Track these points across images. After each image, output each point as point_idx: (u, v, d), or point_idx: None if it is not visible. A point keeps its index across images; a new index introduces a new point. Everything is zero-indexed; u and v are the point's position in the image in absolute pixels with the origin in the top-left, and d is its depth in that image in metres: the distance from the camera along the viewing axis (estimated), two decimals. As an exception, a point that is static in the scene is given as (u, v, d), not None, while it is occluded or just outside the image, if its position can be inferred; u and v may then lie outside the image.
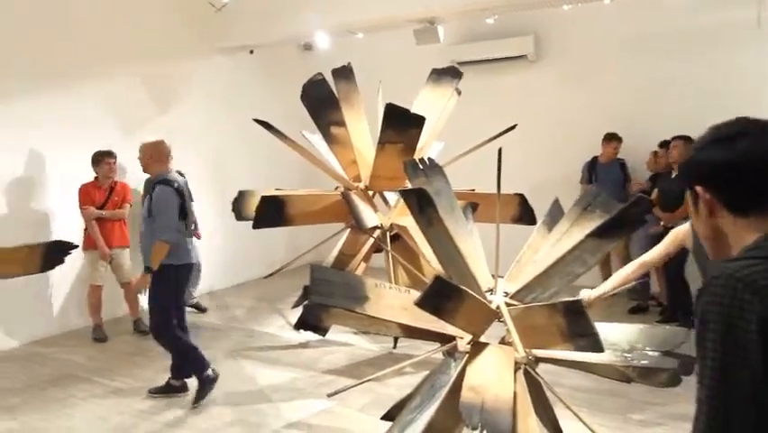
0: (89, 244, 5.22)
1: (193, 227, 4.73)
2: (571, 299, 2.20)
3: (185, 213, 4.01)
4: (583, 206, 2.75)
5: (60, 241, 2.76)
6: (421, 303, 2.08)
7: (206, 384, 3.87)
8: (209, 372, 3.91)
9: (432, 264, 4.25)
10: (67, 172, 5.43)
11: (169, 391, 4.03)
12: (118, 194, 5.39)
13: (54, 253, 2.68)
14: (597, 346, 2.07)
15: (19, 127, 5.20)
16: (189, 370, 3.97)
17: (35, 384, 4.33)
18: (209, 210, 7.02)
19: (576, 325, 2.09)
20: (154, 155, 4.11)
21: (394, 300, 2.55)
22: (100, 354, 4.97)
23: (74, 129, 5.52)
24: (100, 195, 5.29)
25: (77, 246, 2.80)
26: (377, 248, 5.11)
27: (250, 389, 4.14)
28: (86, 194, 5.24)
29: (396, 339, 4.89)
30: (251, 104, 7.22)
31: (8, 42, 5.11)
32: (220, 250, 7.26)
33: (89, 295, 5.37)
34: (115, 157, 5.31)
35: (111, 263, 5.32)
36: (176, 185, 3.98)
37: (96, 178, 5.29)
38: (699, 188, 1.10)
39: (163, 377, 4.38)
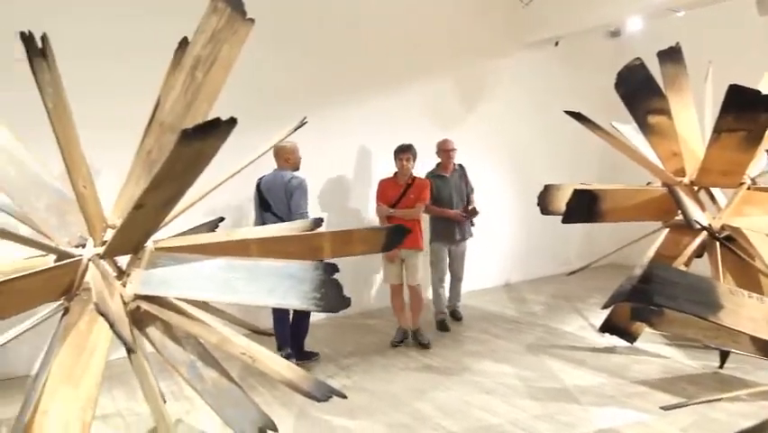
0: None
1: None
2: None
3: (264, 206, 4.51)
4: None
5: (400, 225, 3.08)
6: (810, 318, 1.72)
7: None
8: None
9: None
10: (390, 169, 6.05)
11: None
12: (414, 192, 4.96)
13: (394, 235, 2.98)
14: None
15: (353, 123, 6.02)
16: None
17: (363, 350, 4.97)
18: (509, 203, 7.16)
19: None
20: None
21: (756, 312, 2.17)
22: (411, 332, 5.44)
23: (396, 126, 6.15)
24: (394, 192, 4.99)
25: (410, 231, 3.12)
26: (698, 252, 4.51)
27: (555, 387, 4.06)
28: (382, 190, 5.05)
29: (724, 357, 4.25)
30: (554, 96, 7.13)
31: (342, 53, 5.95)
32: (516, 243, 7.34)
33: (390, 294, 5.15)
34: (411, 153, 4.98)
35: (403, 264, 4.99)
36: (257, 182, 4.57)
37: (395, 174, 5.09)
38: None
39: (467, 359, 4.61)
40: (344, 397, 2.71)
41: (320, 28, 5.79)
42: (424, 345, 4.93)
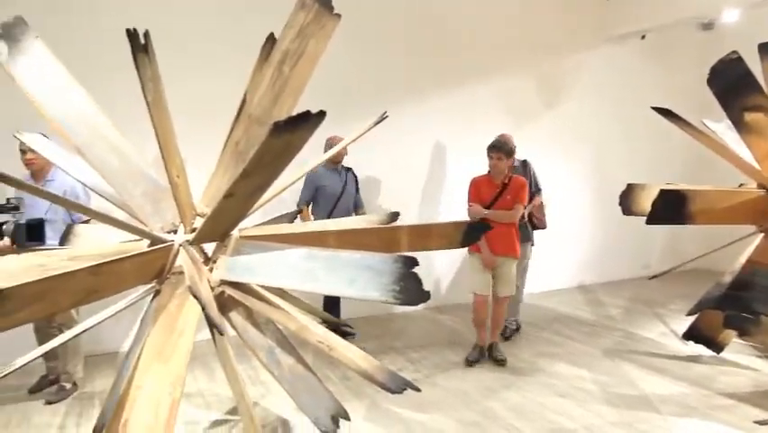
0: (474, 246, 4.40)
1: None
2: None
3: None
4: None
5: (483, 222, 3.05)
6: None
7: None
8: None
9: None
10: (463, 166, 5.99)
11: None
12: (511, 192, 4.50)
13: (473, 231, 2.95)
14: None
15: (427, 119, 6.00)
16: None
17: (433, 345, 4.97)
18: (585, 201, 6.94)
19: None
20: None
21: None
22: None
23: (470, 123, 6.09)
24: (489, 191, 4.54)
25: (491, 228, 3.09)
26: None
27: (633, 394, 3.91)
28: (475, 189, 4.60)
29: (824, 374, 3.96)
30: (636, 92, 6.86)
31: (421, 49, 5.94)
32: (591, 244, 7.11)
33: (473, 305, 4.64)
34: (503, 151, 4.47)
35: (493, 273, 4.55)
36: None
37: (488, 172, 4.59)
38: None
39: (541, 361, 4.52)
40: (418, 390, 2.71)
41: (400, 24, 5.82)
42: (499, 362, 4.51)
